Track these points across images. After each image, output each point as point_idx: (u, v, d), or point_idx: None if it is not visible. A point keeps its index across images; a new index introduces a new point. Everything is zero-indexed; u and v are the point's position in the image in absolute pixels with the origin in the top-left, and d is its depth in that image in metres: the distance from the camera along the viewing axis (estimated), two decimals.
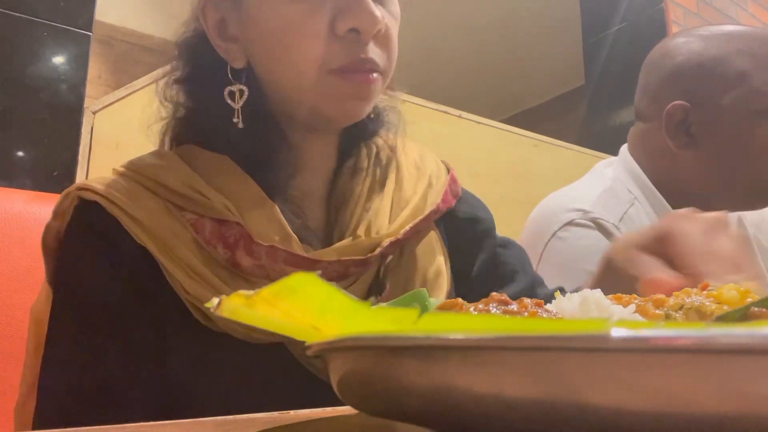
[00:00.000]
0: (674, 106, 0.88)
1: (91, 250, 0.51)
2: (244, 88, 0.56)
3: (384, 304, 0.24)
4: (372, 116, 0.64)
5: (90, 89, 1.14)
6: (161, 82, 0.61)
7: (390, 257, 0.59)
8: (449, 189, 0.67)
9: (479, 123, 1.74)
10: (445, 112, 1.60)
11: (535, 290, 0.67)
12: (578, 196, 0.93)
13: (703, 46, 0.90)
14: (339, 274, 0.54)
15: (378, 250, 0.56)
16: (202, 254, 0.51)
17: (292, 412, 0.33)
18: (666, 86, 0.92)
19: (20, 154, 1.03)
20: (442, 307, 0.28)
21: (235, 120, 0.55)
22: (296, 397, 0.50)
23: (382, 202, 0.61)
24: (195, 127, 0.59)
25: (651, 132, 0.94)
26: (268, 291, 0.20)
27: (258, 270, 0.51)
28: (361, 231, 0.57)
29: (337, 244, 0.55)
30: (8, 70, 1.03)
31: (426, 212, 0.62)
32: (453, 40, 3.60)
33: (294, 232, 0.54)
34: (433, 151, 0.72)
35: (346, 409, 0.33)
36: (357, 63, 0.53)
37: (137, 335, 0.49)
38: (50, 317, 0.51)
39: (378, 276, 0.58)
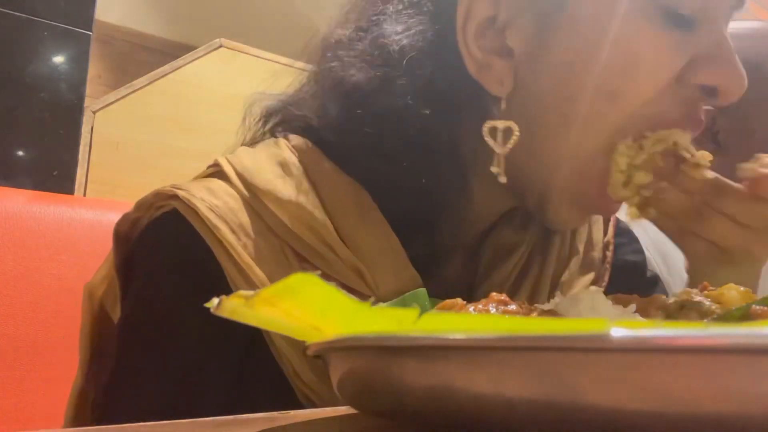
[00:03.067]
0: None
1: (178, 283, 0.41)
2: (514, 127, 0.40)
3: (384, 304, 0.24)
4: None
5: (90, 89, 1.14)
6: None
7: None
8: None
9: None
10: None
11: None
12: None
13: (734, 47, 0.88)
14: None
15: None
16: None
17: (292, 412, 0.33)
18: None
19: (20, 153, 1.03)
20: (442, 308, 0.28)
21: (495, 170, 0.41)
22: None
23: (545, 269, 0.48)
24: (381, 138, 0.43)
25: None
26: (268, 291, 0.20)
27: None
28: (523, 294, 0.46)
29: None
30: (8, 70, 1.03)
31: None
32: None
33: (422, 277, 0.42)
34: None
35: (346, 409, 0.33)
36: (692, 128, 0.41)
37: (203, 350, 0.41)
38: (124, 330, 0.43)
39: None
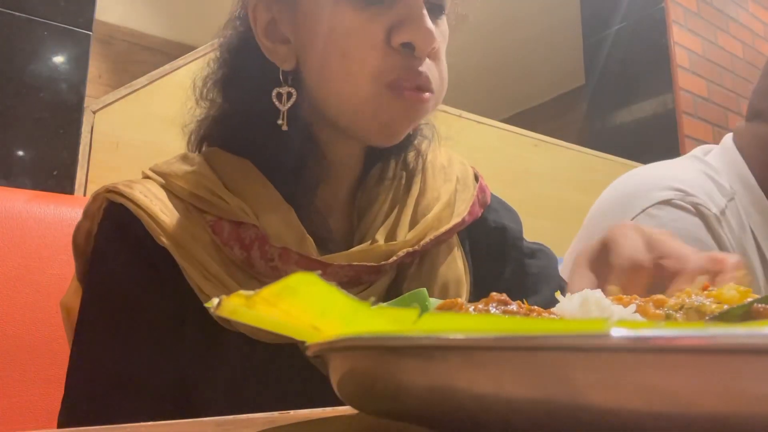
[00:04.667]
0: None
1: (119, 250, 0.53)
2: (293, 91, 0.55)
3: (384, 304, 0.24)
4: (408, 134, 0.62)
5: (90, 89, 1.14)
6: (198, 81, 0.61)
7: (410, 265, 0.59)
8: (477, 199, 0.66)
9: (479, 123, 1.74)
10: (445, 112, 1.60)
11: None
12: (676, 176, 0.84)
13: None
14: (350, 279, 0.55)
15: (392, 259, 0.55)
16: (220, 256, 0.52)
17: (292, 412, 0.33)
18: None
19: (20, 153, 1.03)
20: (442, 307, 0.28)
21: (279, 122, 0.55)
22: (309, 397, 0.51)
23: (405, 208, 0.60)
24: (227, 129, 0.59)
25: None
26: (268, 291, 0.20)
27: (271, 271, 0.52)
28: (380, 236, 0.57)
29: (352, 249, 0.55)
30: (8, 70, 1.03)
31: (450, 224, 0.61)
32: (452, 39, 3.60)
33: (313, 237, 0.54)
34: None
35: (346, 409, 0.33)
36: (413, 76, 0.52)
37: (159, 329, 0.51)
38: (80, 312, 0.53)
39: (396, 283, 0.58)
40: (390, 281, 0.58)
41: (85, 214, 0.55)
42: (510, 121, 2.02)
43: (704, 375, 0.14)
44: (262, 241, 0.52)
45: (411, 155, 0.65)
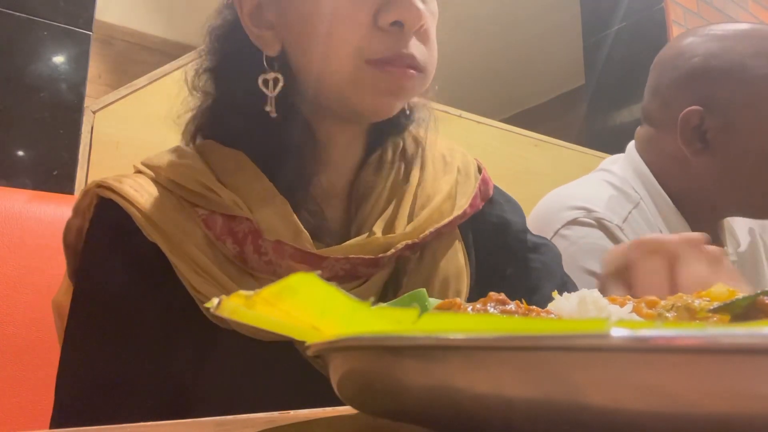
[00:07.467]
0: (690, 111, 0.84)
1: (109, 246, 0.52)
2: (279, 76, 0.55)
3: (384, 304, 0.24)
4: (403, 111, 0.62)
5: (90, 89, 1.14)
6: (190, 71, 0.61)
7: (409, 259, 0.58)
8: (479, 192, 0.65)
9: (479, 123, 1.74)
10: (445, 112, 1.60)
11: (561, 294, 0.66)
12: (582, 194, 0.90)
13: (719, 47, 0.85)
14: (347, 273, 0.54)
15: (391, 252, 0.54)
16: (213, 251, 0.51)
17: (292, 412, 0.33)
18: (680, 89, 0.87)
19: (20, 153, 1.03)
20: (440, 307, 0.28)
21: (267, 109, 0.55)
22: (303, 395, 0.50)
23: (403, 200, 0.59)
24: (218, 120, 0.59)
25: (662, 137, 0.90)
26: (268, 291, 0.20)
27: (265, 266, 0.51)
28: (377, 228, 0.56)
29: (349, 242, 0.54)
30: (8, 70, 1.03)
31: (451, 216, 0.60)
32: (453, 40, 3.60)
33: (309, 229, 0.54)
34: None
35: (346, 409, 0.33)
36: (397, 56, 0.52)
37: (150, 328, 0.50)
38: (70, 310, 0.52)
39: (396, 277, 0.57)
40: (388, 275, 0.57)
41: (75, 210, 0.55)
42: (510, 121, 2.02)
43: (704, 375, 0.14)
44: (255, 235, 0.51)
45: (410, 142, 0.64)
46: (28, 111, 1.04)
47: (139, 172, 0.56)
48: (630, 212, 0.87)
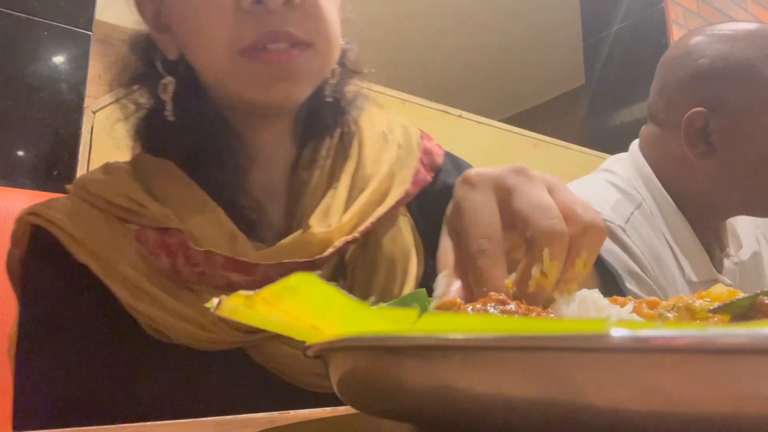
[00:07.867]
0: (694, 113, 0.83)
1: (45, 273, 0.52)
2: (171, 79, 0.54)
3: (384, 305, 0.24)
4: (330, 98, 0.58)
5: (90, 89, 1.14)
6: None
7: (351, 247, 0.56)
8: (422, 165, 0.61)
9: (479, 123, 1.74)
10: (445, 112, 1.60)
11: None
12: (586, 196, 0.90)
13: (728, 47, 0.83)
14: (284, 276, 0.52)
15: (328, 252, 0.52)
16: (147, 266, 0.50)
17: (291, 412, 0.33)
18: (686, 90, 0.86)
19: (20, 154, 1.03)
20: (440, 308, 0.28)
21: (166, 113, 0.53)
22: (256, 400, 0.50)
23: (340, 185, 0.56)
24: (143, 131, 0.58)
25: (667, 137, 0.89)
26: (268, 291, 0.20)
27: (199, 277, 0.49)
28: (314, 221, 0.53)
29: (283, 241, 0.52)
30: (8, 70, 1.03)
31: (392, 202, 0.57)
32: (453, 40, 3.61)
33: (249, 226, 0.52)
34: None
35: (346, 409, 0.33)
36: (267, 38, 0.48)
37: (93, 349, 0.50)
38: (17, 337, 0.51)
39: (340, 266, 0.55)
40: (332, 268, 0.55)
41: (13, 240, 0.54)
42: (510, 121, 2.02)
43: (704, 375, 0.14)
44: (185, 246, 0.49)
45: (347, 127, 0.61)
46: (28, 111, 1.04)
47: (68, 193, 0.55)
48: (632, 213, 0.86)
